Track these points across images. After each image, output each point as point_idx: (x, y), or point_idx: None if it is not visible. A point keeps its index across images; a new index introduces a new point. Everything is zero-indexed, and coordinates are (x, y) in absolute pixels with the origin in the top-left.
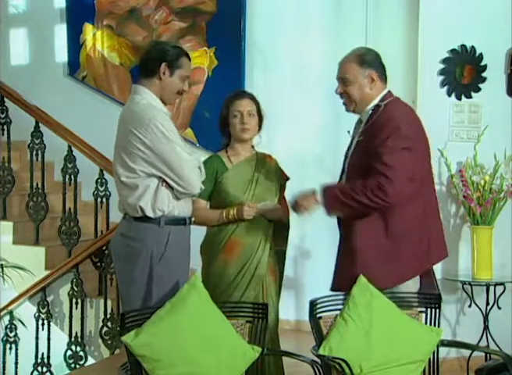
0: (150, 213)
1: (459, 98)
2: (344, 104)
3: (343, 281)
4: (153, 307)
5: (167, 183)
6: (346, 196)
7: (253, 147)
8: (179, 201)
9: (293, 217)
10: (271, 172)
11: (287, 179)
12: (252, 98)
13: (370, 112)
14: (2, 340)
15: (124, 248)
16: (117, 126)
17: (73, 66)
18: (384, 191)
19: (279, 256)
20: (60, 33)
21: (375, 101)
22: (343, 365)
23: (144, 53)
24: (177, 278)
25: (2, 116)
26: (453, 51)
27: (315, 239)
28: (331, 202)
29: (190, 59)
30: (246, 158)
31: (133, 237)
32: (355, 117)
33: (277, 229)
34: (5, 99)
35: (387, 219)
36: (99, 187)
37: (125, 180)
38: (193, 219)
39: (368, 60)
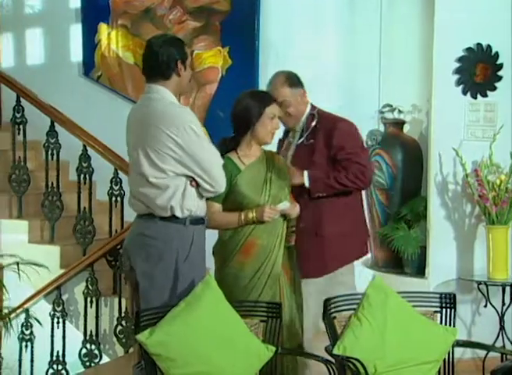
0: (179, 213)
1: (474, 97)
2: (283, 123)
3: (314, 269)
4: (168, 306)
5: (195, 182)
6: (330, 180)
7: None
8: (200, 201)
9: None
10: (281, 170)
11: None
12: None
13: (305, 121)
14: (18, 338)
15: (146, 247)
16: (131, 123)
17: (88, 65)
18: (364, 175)
19: (290, 252)
20: (75, 33)
21: (307, 112)
22: (358, 364)
23: (149, 56)
24: (198, 277)
25: (18, 115)
26: (468, 49)
27: None
28: (317, 184)
29: (185, 44)
30: (257, 158)
31: (157, 237)
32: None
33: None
34: (21, 99)
35: (350, 208)
36: (114, 187)
37: (154, 180)
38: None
39: (295, 81)
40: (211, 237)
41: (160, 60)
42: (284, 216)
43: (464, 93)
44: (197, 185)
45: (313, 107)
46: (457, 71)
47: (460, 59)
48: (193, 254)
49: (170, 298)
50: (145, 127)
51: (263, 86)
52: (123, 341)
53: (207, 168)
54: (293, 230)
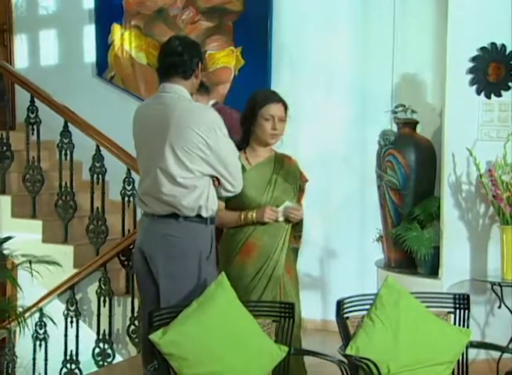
0: (204, 213)
1: (488, 97)
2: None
3: None
4: (180, 306)
5: (218, 181)
6: None
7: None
8: (217, 201)
9: (319, 218)
10: (289, 173)
11: (306, 181)
12: (284, 102)
13: None
14: (32, 337)
15: (169, 248)
16: (153, 122)
17: (101, 66)
18: None
19: (294, 252)
20: (89, 34)
21: None
22: (371, 365)
23: (172, 54)
24: (215, 277)
25: (32, 115)
26: (482, 49)
27: (340, 239)
28: None
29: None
30: (264, 159)
31: (181, 237)
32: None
33: (292, 227)
34: (35, 99)
35: None
36: (126, 187)
37: (181, 180)
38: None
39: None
40: None
41: (183, 59)
42: (288, 219)
43: (478, 93)
44: (219, 184)
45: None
46: (471, 71)
47: (473, 59)
48: (213, 253)
49: (196, 296)
50: (173, 127)
51: (275, 86)
52: (136, 340)
53: (230, 168)
54: (300, 234)
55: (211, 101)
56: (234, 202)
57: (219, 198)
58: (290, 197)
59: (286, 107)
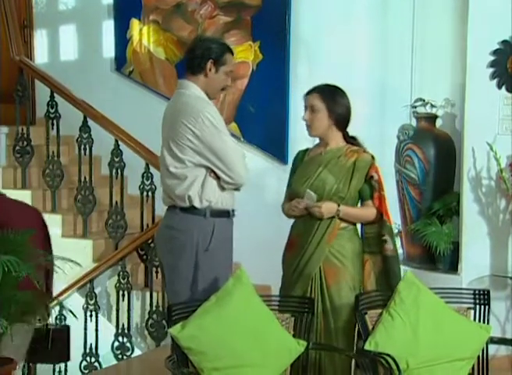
0: (197, 203)
1: (509, 91)
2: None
3: None
4: (199, 300)
5: (215, 173)
6: None
7: (349, 141)
8: (224, 192)
9: None
10: (343, 168)
11: (371, 177)
12: (321, 92)
13: None
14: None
15: (170, 240)
16: (163, 119)
17: (120, 61)
18: None
19: (388, 262)
20: (107, 29)
21: None
22: (390, 360)
23: (189, 50)
24: (221, 271)
25: (52, 110)
26: (503, 42)
27: None
28: None
29: (233, 54)
30: (321, 152)
31: (179, 229)
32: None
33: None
34: (55, 94)
35: None
36: (145, 181)
37: (173, 170)
38: (236, 211)
39: None
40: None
41: (191, 55)
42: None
43: (499, 86)
44: (216, 177)
45: None
46: (492, 64)
47: (495, 52)
48: (214, 246)
49: (193, 289)
50: (172, 122)
51: (293, 81)
52: (154, 334)
53: (225, 159)
54: (384, 238)
55: None
56: (290, 194)
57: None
58: (327, 191)
59: (323, 98)
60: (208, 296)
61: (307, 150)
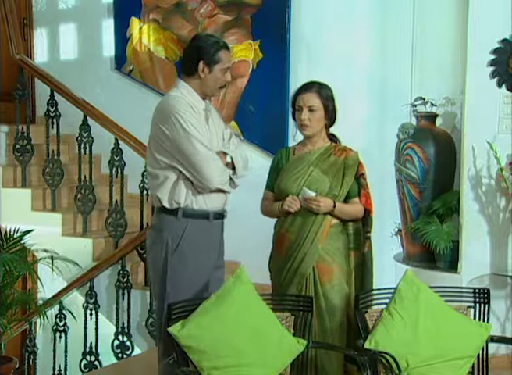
0: (166, 204)
1: (509, 90)
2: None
3: None
4: (200, 298)
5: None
6: None
7: (332, 139)
8: (201, 195)
9: None
10: (334, 166)
11: (361, 174)
12: (319, 91)
13: None
14: (52, 329)
15: (148, 238)
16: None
17: (120, 60)
18: None
19: (356, 259)
20: (107, 28)
21: None
22: (390, 359)
23: (183, 51)
24: (193, 273)
25: (52, 109)
26: (504, 41)
27: None
28: None
29: (229, 49)
30: (309, 150)
31: (154, 228)
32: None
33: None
34: (55, 93)
35: None
36: (145, 180)
37: (150, 169)
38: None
39: None
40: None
41: (184, 57)
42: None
43: (499, 85)
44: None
45: None
46: (492, 63)
47: (495, 51)
48: (184, 247)
49: (161, 289)
50: (152, 122)
51: (293, 80)
52: (154, 333)
53: (193, 163)
54: (367, 235)
55: None
56: (276, 193)
57: (267, 187)
58: (322, 188)
59: (321, 96)
60: (179, 300)
61: (288, 148)
